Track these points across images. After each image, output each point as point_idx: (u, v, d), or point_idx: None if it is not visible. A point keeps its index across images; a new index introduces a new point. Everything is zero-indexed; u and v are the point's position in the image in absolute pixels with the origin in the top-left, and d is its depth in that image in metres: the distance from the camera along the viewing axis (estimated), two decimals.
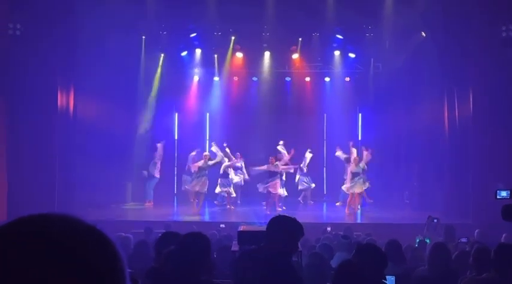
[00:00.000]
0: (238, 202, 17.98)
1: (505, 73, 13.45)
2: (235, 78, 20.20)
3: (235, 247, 5.93)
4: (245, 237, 5.65)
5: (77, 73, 15.25)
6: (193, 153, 17.11)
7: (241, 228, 6.40)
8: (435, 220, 10.80)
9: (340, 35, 18.23)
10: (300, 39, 18.66)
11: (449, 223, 10.73)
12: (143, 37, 17.86)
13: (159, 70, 18.90)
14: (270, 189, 16.07)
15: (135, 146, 17.86)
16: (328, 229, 11.79)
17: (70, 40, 14.47)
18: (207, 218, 15.92)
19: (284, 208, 16.28)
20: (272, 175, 16.16)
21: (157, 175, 17.85)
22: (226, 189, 16.75)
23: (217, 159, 16.13)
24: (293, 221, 3.45)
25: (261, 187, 16.34)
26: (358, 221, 15.36)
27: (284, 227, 3.46)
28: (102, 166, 15.99)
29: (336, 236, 9.51)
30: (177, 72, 19.32)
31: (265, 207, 16.21)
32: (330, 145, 19.96)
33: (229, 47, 18.75)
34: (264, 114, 19.36)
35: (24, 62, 13.58)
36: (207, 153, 16.69)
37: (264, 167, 16.33)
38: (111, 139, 16.73)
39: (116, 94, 16.65)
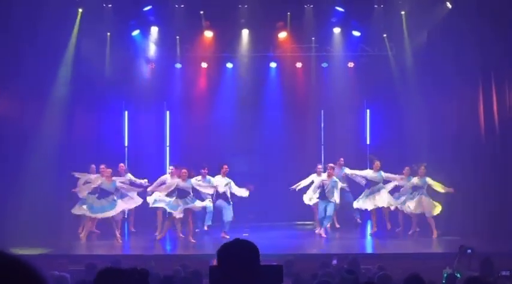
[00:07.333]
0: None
1: None
2: (204, 65, 20.17)
3: None
4: (220, 274, 5.63)
5: None
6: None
7: (213, 262, 6.39)
8: (469, 251, 10.84)
9: (341, 6, 18.31)
10: (289, 13, 18.71)
11: (487, 255, 10.73)
12: (79, 10, 17.65)
13: (107, 56, 18.83)
14: None
15: (75, 157, 17.62)
16: (334, 262, 11.80)
17: None
18: (169, 249, 15.88)
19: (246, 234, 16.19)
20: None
21: None
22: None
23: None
24: (243, 244, 3.46)
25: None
26: (367, 250, 15.39)
27: (234, 256, 3.46)
28: (29, 182, 15.82)
29: (339, 271, 9.52)
30: (127, 58, 19.21)
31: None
32: (328, 151, 20.00)
33: (195, 23, 18.73)
34: (241, 111, 19.41)
35: None
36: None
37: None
38: (39, 146, 16.57)
39: (43, 88, 16.49)
